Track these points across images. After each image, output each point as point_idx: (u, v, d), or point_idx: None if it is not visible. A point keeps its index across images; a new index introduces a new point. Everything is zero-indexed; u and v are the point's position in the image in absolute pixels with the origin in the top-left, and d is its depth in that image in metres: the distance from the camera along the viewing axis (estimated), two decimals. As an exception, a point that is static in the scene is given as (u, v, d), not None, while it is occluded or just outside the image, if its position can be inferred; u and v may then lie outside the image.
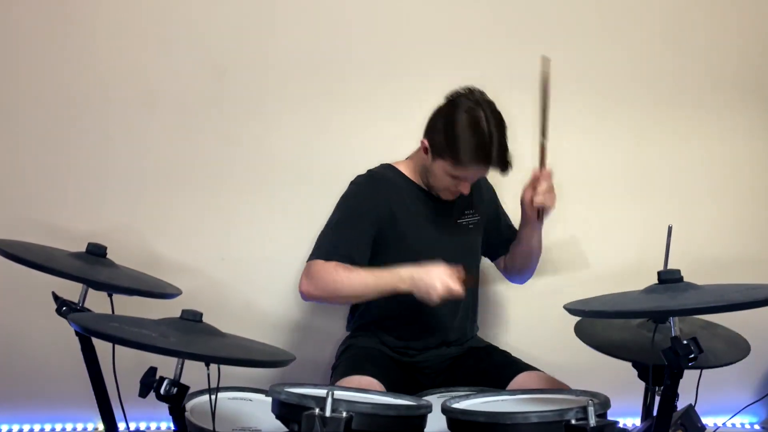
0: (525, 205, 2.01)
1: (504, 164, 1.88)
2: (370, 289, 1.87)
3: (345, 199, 2.05)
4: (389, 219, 2.01)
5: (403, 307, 2.00)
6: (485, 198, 2.19)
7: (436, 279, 1.78)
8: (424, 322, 2.05)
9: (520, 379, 1.91)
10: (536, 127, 1.94)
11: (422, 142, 1.97)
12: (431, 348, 2.08)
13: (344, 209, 2.03)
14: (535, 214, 1.99)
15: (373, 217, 1.99)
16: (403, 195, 2.05)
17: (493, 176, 2.04)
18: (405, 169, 2.10)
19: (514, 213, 2.18)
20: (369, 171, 2.11)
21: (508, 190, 2.22)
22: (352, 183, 2.08)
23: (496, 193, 2.26)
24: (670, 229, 1.75)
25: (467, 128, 1.87)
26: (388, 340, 2.08)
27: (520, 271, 2.20)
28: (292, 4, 2.45)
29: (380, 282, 1.86)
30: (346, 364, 2.01)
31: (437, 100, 1.97)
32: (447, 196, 2.02)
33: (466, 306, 2.13)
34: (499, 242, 2.22)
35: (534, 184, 1.97)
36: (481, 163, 1.88)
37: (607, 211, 2.61)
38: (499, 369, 1.99)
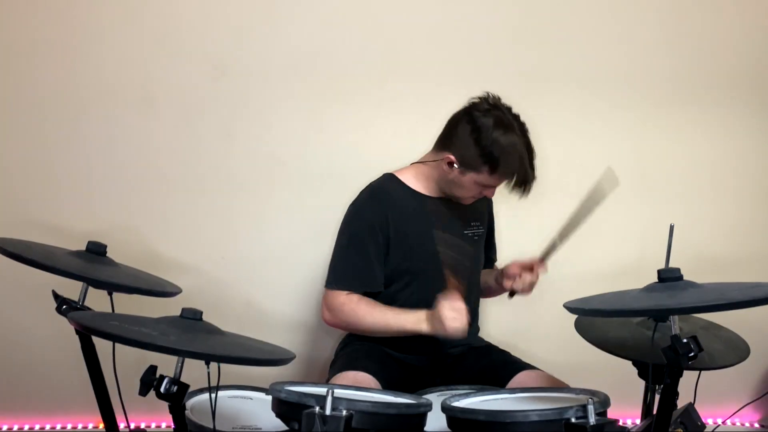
0: (506, 276, 2.04)
1: (534, 170, 1.92)
2: (392, 329, 1.93)
3: (348, 222, 2.04)
4: (394, 235, 2.00)
5: None
6: (488, 211, 2.21)
7: (452, 325, 1.80)
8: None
9: (520, 378, 1.91)
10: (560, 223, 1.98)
11: (447, 158, 1.93)
12: (431, 351, 2.07)
13: (350, 233, 2.02)
14: (509, 291, 2.05)
15: (378, 236, 1.99)
16: (407, 208, 2.02)
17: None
18: (409, 179, 2.06)
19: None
20: (370, 185, 2.07)
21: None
22: (352, 204, 2.06)
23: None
24: (671, 228, 1.75)
25: (502, 141, 1.86)
26: (388, 340, 2.08)
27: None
28: (291, 4, 2.45)
29: (402, 324, 1.91)
30: (343, 359, 2.02)
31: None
32: (468, 201, 2.04)
33: (471, 316, 2.13)
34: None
35: (527, 268, 2.01)
36: (519, 173, 1.89)
37: (607, 209, 2.61)
38: (498, 368, 1.99)
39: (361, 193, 2.06)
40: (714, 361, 1.76)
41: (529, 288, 2.02)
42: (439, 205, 2.05)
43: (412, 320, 1.89)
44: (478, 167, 1.89)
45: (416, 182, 2.06)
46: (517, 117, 1.91)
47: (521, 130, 1.90)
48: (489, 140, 1.86)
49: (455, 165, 1.92)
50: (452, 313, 1.80)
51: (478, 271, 2.19)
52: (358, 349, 2.06)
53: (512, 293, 2.05)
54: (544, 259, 2.00)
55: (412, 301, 2.00)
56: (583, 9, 2.57)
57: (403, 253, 2.01)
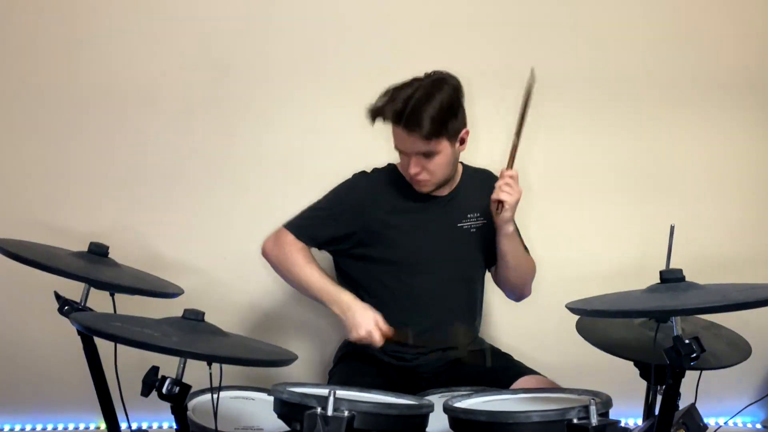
0: (491, 205, 1.95)
1: (411, 121, 1.84)
2: (312, 292, 1.96)
3: (336, 188, 2.10)
4: (377, 221, 2.02)
5: (395, 315, 2.00)
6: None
7: (365, 323, 1.85)
8: (418, 329, 2.05)
9: (521, 383, 1.90)
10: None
11: None
12: (428, 353, 2.07)
13: (331, 196, 2.08)
14: (494, 207, 1.94)
15: (347, 216, 2.03)
16: (397, 197, 2.05)
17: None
18: None
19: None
20: (374, 169, 2.13)
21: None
22: (353, 175, 2.12)
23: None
24: (672, 228, 1.75)
25: (394, 89, 1.89)
26: (385, 346, 2.08)
27: (503, 285, 2.16)
28: (291, 4, 2.45)
29: (323, 292, 1.94)
30: (340, 374, 2.03)
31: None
32: (416, 186, 2.00)
33: (463, 313, 2.12)
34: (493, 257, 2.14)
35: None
36: (388, 117, 1.88)
37: (608, 210, 2.61)
38: (499, 372, 1.97)
39: (363, 172, 2.12)
40: (716, 361, 1.76)
41: (509, 189, 1.90)
42: (430, 199, 2.04)
43: (331, 297, 1.92)
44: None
45: None
46: (436, 83, 1.88)
47: (424, 89, 1.86)
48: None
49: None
50: (365, 334, 1.84)
51: (473, 266, 2.13)
52: (355, 364, 2.06)
53: (498, 209, 1.93)
54: (509, 165, 1.93)
55: (389, 290, 2.02)
56: (585, 10, 2.57)
57: (385, 243, 2.03)
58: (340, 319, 1.89)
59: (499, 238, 2.02)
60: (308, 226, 2.04)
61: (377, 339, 1.86)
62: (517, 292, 2.15)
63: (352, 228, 2.03)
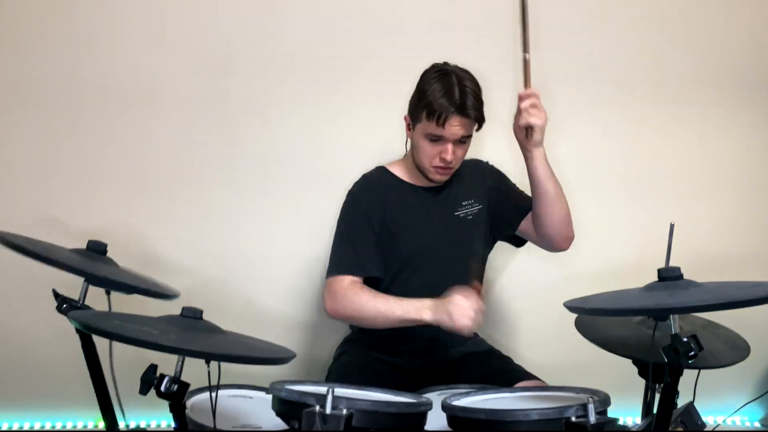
0: (515, 131, 1.93)
1: (475, 109, 1.90)
2: (396, 316, 1.88)
3: (346, 211, 2.09)
4: (385, 222, 2.05)
5: None
6: (488, 184, 2.15)
7: (462, 307, 1.78)
8: (419, 330, 2.05)
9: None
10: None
11: (405, 119, 2.03)
12: (428, 354, 2.08)
13: (348, 220, 2.07)
14: (523, 134, 1.91)
15: (374, 223, 2.04)
16: (396, 196, 2.08)
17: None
18: (397, 170, 2.14)
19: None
20: (363, 176, 2.15)
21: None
22: (349, 192, 2.11)
23: (507, 177, 2.21)
24: (672, 227, 1.75)
25: (435, 80, 1.93)
26: (383, 345, 2.08)
27: (548, 228, 2.01)
28: (292, 2, 2.45)
29: (406, 310, 1.86)
30: (335, 375, 2.03)
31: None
32: (436, 175, 2.01)
33: None
34: (516, 213, 2.09)
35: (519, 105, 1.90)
36: (451, 106, 1.87)
37: (607, 207, 2.61)
38: (498, 375, 1.97)
39: (356, 183, 2.13)
40: (715, 361, 1.76)
41: (536, 111, 1.88)
42: (425, 193, 2.08)
43: (416, 307, 1.85)
44: (419, 113, 1.94)
45: (405, 173, 2.12)
46: (465, 71, 1.96)
47: (465, 77, 1.93)
48: (423, 84, 1.95)
49: (409, 123, 2.00)
50: (467, 311, 1.77)
51: (475, 253, 2.12)
52: (351, 362, 2.06)
53: (528, 134, 1.90)
54: (526, 83, 1.91)
55: (403, 291, 2.00)
56: (584, 9, 2.57)
57: (394, 243, 2.04)
58: (440, 323, 1.81)
59: (533, 165, 1.94)
60: (351, 259, 2.00)
61: (479, 318, 1.80)
62: (563, 231, 2.03)
63: (379, 231, 2.04)
